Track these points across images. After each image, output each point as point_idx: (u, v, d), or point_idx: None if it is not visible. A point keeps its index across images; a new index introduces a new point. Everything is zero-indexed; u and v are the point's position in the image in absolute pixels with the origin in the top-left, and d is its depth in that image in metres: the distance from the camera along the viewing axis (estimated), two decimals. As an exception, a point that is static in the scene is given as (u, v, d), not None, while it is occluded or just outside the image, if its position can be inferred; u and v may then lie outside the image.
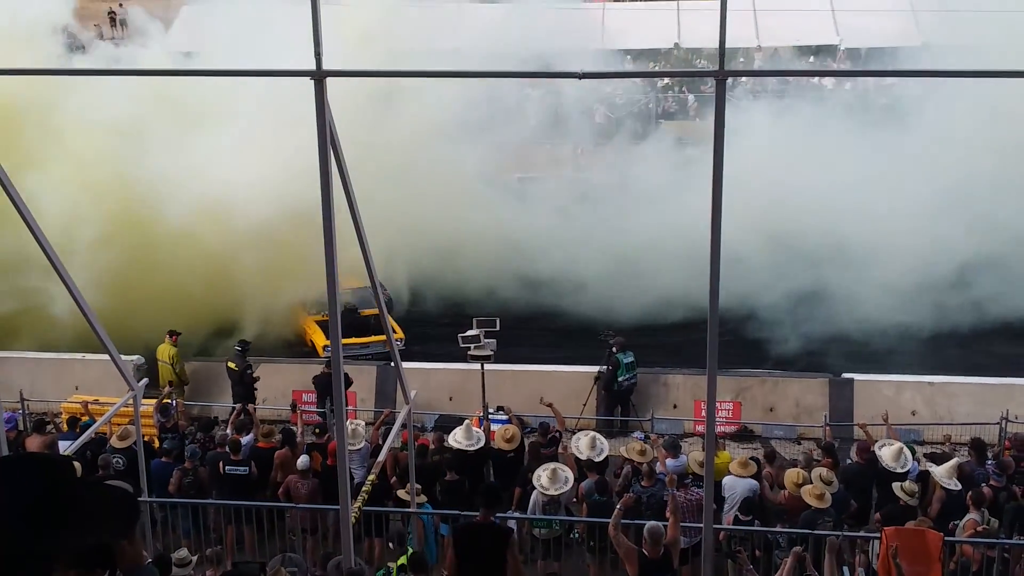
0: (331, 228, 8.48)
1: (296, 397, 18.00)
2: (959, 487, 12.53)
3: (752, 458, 13.88)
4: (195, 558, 11.15)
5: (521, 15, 23.57)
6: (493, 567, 9.21)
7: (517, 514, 13.27)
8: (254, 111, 20.63)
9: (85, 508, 2.60)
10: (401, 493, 12.95)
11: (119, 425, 14.49)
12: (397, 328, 19.67)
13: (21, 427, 15.90)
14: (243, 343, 18.37)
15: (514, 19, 23.55)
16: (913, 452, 13.59)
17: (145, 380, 13.29)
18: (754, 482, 12.94)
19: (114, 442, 14.09)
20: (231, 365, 18.19)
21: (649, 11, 33.47)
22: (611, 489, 13.14)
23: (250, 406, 16.04)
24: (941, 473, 12.69)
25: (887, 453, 13.21)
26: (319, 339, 20.43)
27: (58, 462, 2.66)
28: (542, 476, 12.72)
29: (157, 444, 14.74)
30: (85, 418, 15.26)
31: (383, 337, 16.06)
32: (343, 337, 8.91)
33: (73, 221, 19.00)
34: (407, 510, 12.51)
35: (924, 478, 13.17)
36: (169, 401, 16.21)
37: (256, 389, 17.98)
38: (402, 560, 10.63)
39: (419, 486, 12.74)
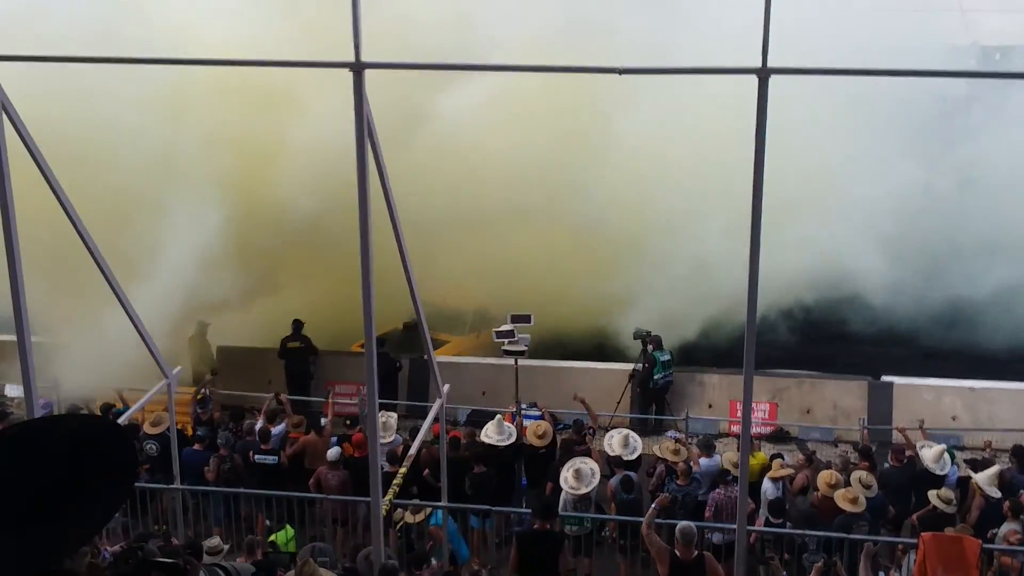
0: (367, 221, 8.43)
1: (329, 387, 18.03)
2: (999, 495, 12.33)
3: (777, 455, 13.77)
4: (227, 546, 11.19)
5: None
6: (550, 566, 10.69)
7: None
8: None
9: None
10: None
11: (152, 412, 14.56)
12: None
13: (56, 413, 16.03)
14: (298, 322, 18.41)
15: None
16: (952, 457, 13.37)
17: (179, 368, 13.32)
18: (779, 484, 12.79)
19: (147, 428, 14.16)
20: (293, 345, 18.21)
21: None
22: (639, 487, 13.07)
23: (283, 396, 16.02)
24: (982, 480, 12.49)
25: (928, 454, 13.01)
26: None
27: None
28: (567, 476, 12.66)
29: (190, 432, 14.82)
30: (119, 405, 15.35)
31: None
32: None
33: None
34: (438, 504, 12.48)
35: (964, 484, 12.97)
36: (206, 394, 16.14)
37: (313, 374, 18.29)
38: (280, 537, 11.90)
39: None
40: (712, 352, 19.54)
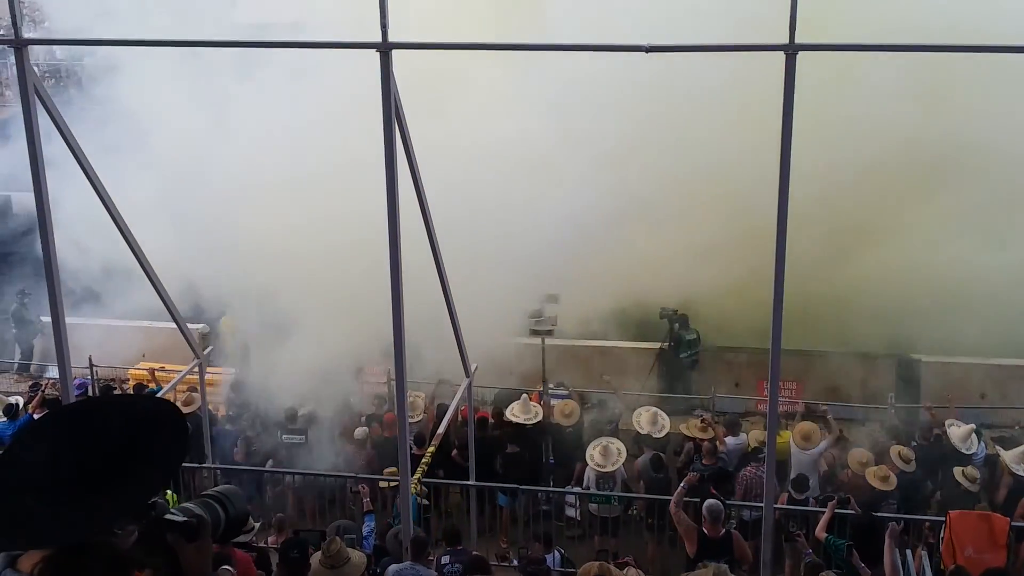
0: (395, 202, 8.46)
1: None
2: (1028, 473, 12.29)
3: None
4: (258, 525, 11.31)
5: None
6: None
7: (577, 490, 13.28)
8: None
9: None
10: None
11: (183, 392, 14.71)
12: None
13: (90, 392, 16.22)
14: None
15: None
16: (980, 435, 13.32)
17: (210, 348, 13.45)
18: (815, 455, 12.76)
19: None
20: None
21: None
22: (668, 466, 13.10)
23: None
24: (1010, 458, 12.44)
25: (956, 433, 12.95)
26: None
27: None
28: (594, 452, 12.72)
29: (221, 412, 14.95)
30: (152, 385, 15.51)
31: None
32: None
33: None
34: (464, 482, 12.58)
35: (992, 462, 12.92)
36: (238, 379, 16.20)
37: None
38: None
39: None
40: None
